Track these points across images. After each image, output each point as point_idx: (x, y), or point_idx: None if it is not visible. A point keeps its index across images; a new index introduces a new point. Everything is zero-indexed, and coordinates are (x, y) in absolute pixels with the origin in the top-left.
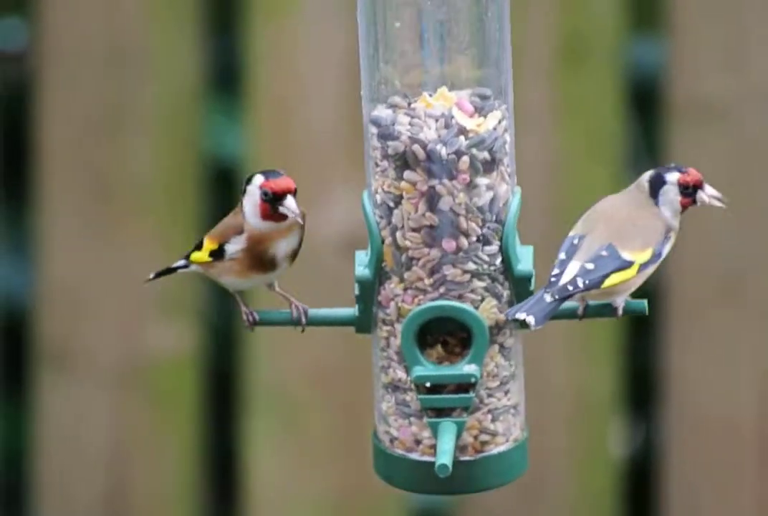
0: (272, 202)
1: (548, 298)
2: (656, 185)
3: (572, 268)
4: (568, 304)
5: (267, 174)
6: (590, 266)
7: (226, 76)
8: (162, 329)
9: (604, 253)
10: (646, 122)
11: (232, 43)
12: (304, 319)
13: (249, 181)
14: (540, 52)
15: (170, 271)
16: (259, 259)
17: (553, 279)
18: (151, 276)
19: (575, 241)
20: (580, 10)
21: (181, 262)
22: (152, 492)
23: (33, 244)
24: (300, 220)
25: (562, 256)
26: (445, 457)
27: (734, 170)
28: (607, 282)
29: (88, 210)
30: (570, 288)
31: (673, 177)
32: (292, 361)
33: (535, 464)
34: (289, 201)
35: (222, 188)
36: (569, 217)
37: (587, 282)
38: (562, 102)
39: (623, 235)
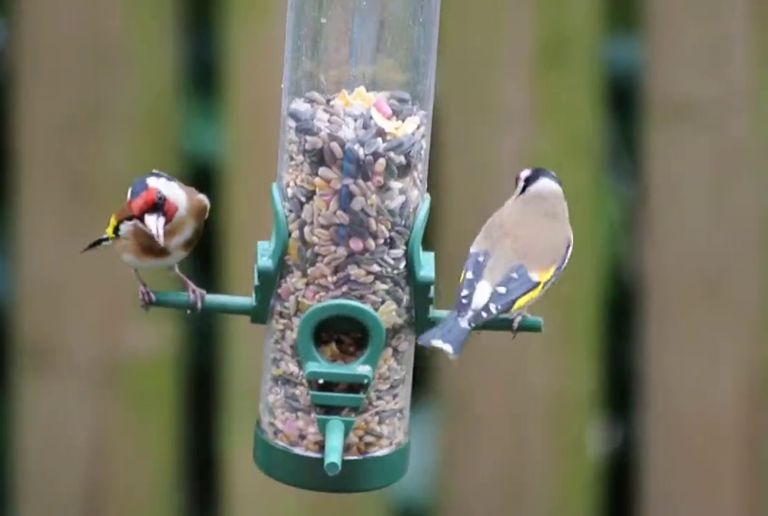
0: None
1: (464, 324)
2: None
3: (483, 291)
4: None
5: (135, 187)
6: (502, 290)
7: (204, 75)
8: (141, 328)
9: (514, 275)
10: (624, 122)
11: (210, 42)
12: (200, 304)
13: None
14: (518, 52)
15: (97, 243)
16: (148, 247)
17: (464, 301)
18: (85, 248)
19: (480, 259)
20: (557, 10)
21: (105, 235)
22: (131, 490)
23: (12, 243)
24: (160, 242)
25: (469, 275)
26: (334, 454)
27: (712, 169)
28: (516, 304)
29: (68, 209)
30: (484, 315)
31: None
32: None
33: (515, 464)
34: (148, 221)
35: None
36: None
37: (499, 307)
38: (541, 102)
39: (531, 252)
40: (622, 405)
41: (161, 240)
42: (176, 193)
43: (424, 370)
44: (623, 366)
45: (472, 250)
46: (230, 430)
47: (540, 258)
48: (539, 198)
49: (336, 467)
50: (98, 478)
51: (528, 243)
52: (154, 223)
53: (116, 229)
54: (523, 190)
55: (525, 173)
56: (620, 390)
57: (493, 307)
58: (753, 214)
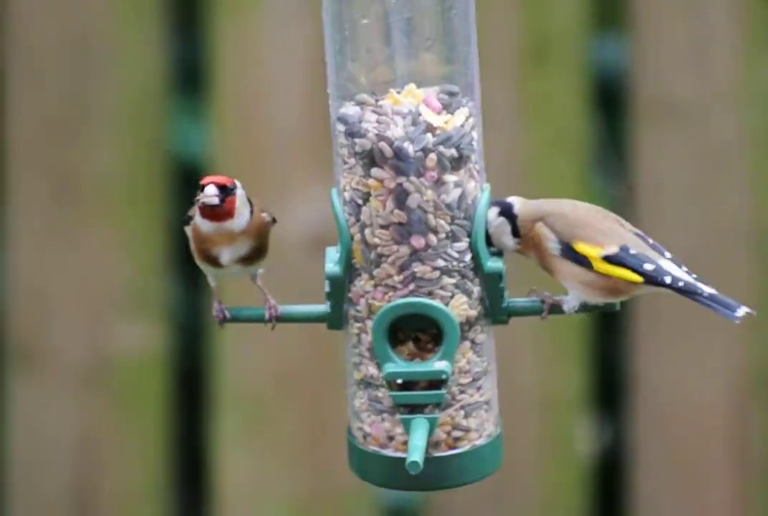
0: (201, 190)
1: (712, 290)
2: None
3: (672, 266)
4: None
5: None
6: (668, 255)
7: (190, 75)
8: (129, 328)
9: (650, 240)
10: (611, 121)
11: (197, 41)
12: (275, 317)
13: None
14: (505, 52)
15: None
16: (204, 254)
17: (680, 284)
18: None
19: (632, 252)
20: (543, 9)
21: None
22: (119, 490)
23: None
24: (206, 202)
25: (648, 267)
26: (416, 453)
27: (698, 167)
28: None
29: (54, 209)
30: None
31: None
32: (259, 360)
33: (504, 463)
34: (208, 189)
35: (186, 187)
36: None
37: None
38: (528, 101)
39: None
40: (610, 404)
41: (209, 200)
42: (244, 206)
43: None
44: (612, 365)
45: (609, 252)
46: (218, 429)
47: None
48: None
49: (418, 466)
50: (86, 478)
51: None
52: (210, 192)
53: (186, 222)
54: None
55: (494, 212)
56: (609, 389)
57: (687, 269)
58: (739, 212)
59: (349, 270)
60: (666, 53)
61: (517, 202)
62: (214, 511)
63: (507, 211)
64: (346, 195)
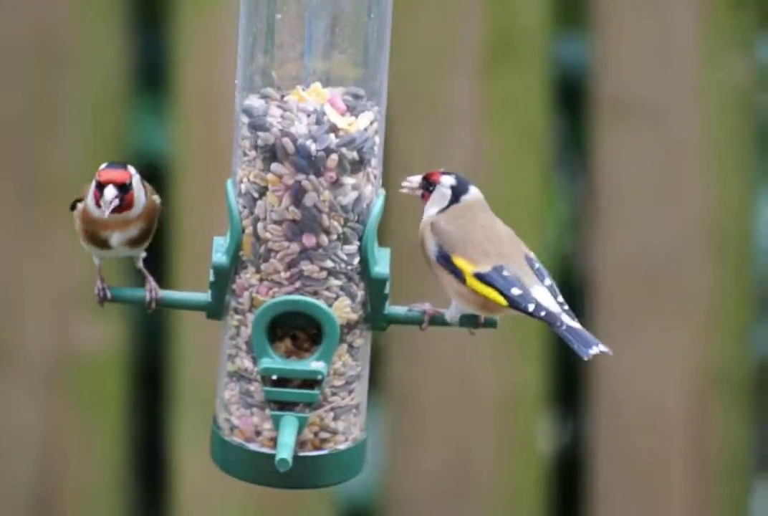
0: (99, 189)
1: (576, 324)
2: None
3: (544, 294)
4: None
5: (113, 163)
6: (548, 282)
7: (153, 73)
8: (91, 326)
9: (536, 265)
10: (573, 120)
11: (159, 39)
12: (155, 301)
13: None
14: (466, 50)
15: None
16: (93, 236)
17: (542, 314)
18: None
19: (505, 273)
20: (505, 8)
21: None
22: (82, 488)
23: None
24: (105, 214)
25: (516, 292)
26: (285, 451)
27: (659, 167)
28: None
29: (16, 207)
30: (566, 307)
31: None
32: (219, 360)
33: (464, 460)
34: (107, 191)
35: (150, 184)
36: (498, 214)
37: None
38: (490, 100)
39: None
40: (571, 401)
41: (106, 213)
42: (140, 193)
43: (371, 368)
44: (573, 362)
45: (483, 270)
46: (179, 427)
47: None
48: (481, 204)
49: (287, 463)
50: (48, 476)
51: (515, 244)
52: (111, 196)
53: (73, 206)
54: (455, 199)
55: (449, 181)
56: (570, 386)
57: (561, 299)
58: (700, 212)
59: (236, 262)
60: (627, 52)
61: (471, 194)
62: (174, 508)
63: (457, 191)
64: (243, 187)
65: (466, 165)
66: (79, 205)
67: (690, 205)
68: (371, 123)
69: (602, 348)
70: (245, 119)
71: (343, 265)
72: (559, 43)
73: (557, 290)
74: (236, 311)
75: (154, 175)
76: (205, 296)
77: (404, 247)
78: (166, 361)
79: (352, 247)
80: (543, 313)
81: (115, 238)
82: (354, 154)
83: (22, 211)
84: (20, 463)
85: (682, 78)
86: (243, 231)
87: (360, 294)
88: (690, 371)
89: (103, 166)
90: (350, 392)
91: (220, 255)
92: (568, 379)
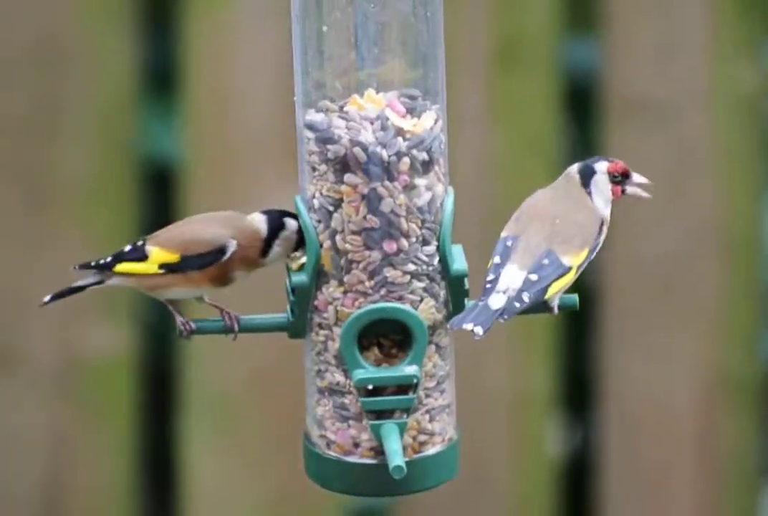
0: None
1: (494, 306)
2: (587, 176)
3: (513, 277)
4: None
5: (290, 217)
6: (534, 277)
7: (162, 76)
8: (98, 331)
9: (545, 261)
10: (582, 122)
11: (169, 42)
12: (236, 327)
13: (281, 225)
14: (476, 53)
15: (76, 290)
16: (223, 276)
17: (488, 285)
18: (47, 299)
19: (509, 243)
20: (514, 11)
21: (91, 279)
22: (90, 493)
23: None
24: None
25: (496, 260)
26: (398, 458)
27: (668, 168)
28: (550, 291)
29: (23, 213)
30: (517, 305)
31: (602, 166)
32: (228, 363)
33: (474, 463)
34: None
35: (159, 190)
36: (507, 218)
37: (532, 296)
38: (499, 103)
39: (560, 235)
40: (581, 404)
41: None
42: None
43: None
44: (582, 365)
45: (502, 234)
46: (188, 431)
47: (569, 239)
48: (562, 179)
49: (402, 470)
50: (56, 479)
51: (556, 225)
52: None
53: (175, 265)
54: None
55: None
56: (579, 389)
57: (526, 296)
58: (709, 214)
59: (317, 278)
60: (636, 55)
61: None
62: (183, 514)
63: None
64: (315, 202)
65: (474, 168)
66: (233, 245)
67: (699, 209)
68: (435, 121)
69: (477, 329)
70: (310, 134)
71: (424, 267)
72: (568, 46)
73: (531, 286)
74: (321, 327)
75: (164, 179)
76: (284, 316)
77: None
78: (175, 365)
79: (431, 248)
80: (487, 285)
81: (245, 274)
82: (424, 155)
83: (30, 216)
84: (28, 468)
85: (691, 80)
86: (321, 246)
87: (442, 293)
88: (699, 375)
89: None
90: (442, 392)
91: (299, 274)
92: (578, 383)
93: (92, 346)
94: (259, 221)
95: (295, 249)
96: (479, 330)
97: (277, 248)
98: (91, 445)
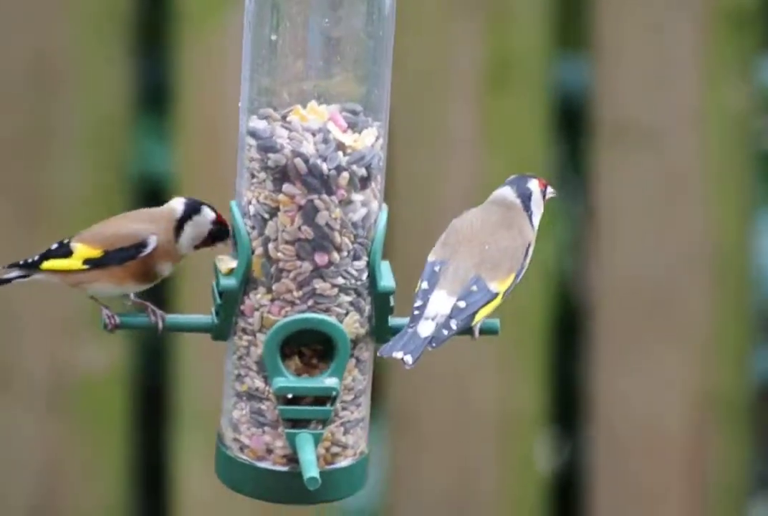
0: (219, 236)
1: (423, 335)
2: (526, 199)
3: (442, 303)
4: None
5: (208, 207)
6: (462, 304)
7: (155, 96)
8: (90, 347)
9: (474, 288)
10: (571, 143)
11: (161, 62)
12: (161, 325)
13: (196, 209)
14: (466, 74)
15: (1, 283)
16: (146, 272)
17: (416, 312)
18: None
19: (436, 268)
20: (505, 33)
21: (15, 273)
22: (83, 510)
23: None
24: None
25: (424, 285)
26: (312, 469)
27: (658, 190)
28: (477, 317)
29: (17, 230)
30: (445, 333)
31: (534, 185)
32: (219, 378)
33: (463, 479)
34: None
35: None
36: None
37: (460, 323)
38: (488, 123)
39: (488, 261)
40: (570, 421)
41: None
42: None
43: (372, 385)
44: (571, 383)
45: (429, 258)
46: (182, 446)
47: (497, 265)
48: (495, 204)
49: (317, 481)
50: (50, 497)
51: (484, 250)
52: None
53: (98, 260)
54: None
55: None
56: (568, 406)
57: (453, 323)
58: (698, 235)
59: (246, 283)
60: (626, 76)
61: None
62: None
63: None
64: (251, 208)
65: (465, 188)
66: (153, 240)
67: (689, 228)
68: (376, 139)
69: (407, 358)
70: (252, 141)
71: (353, 281)
72: (558, 67)
73: (459, 313)
74: (245, 332)
75: (156, 198)
76: (210, 319)
77: (404, 260)
78: (168, 381)
79: (361, 263)
80: (415, 311)
81: (166, 270)
82: (363, 171)
83: (22, 235)
84: (22, 484)
85: (682, 101)
86: (253, 252)
87: (367, 308)
88: (688, 394)
89: (208, 211)
90: (358, 406)
91: (227, 278)
92: (568, 401)
93: (85, 361)
94: (177, 203)
95: (212, 241)
96: (409, 359)
97: (188, 229)
98: (83, 460)
